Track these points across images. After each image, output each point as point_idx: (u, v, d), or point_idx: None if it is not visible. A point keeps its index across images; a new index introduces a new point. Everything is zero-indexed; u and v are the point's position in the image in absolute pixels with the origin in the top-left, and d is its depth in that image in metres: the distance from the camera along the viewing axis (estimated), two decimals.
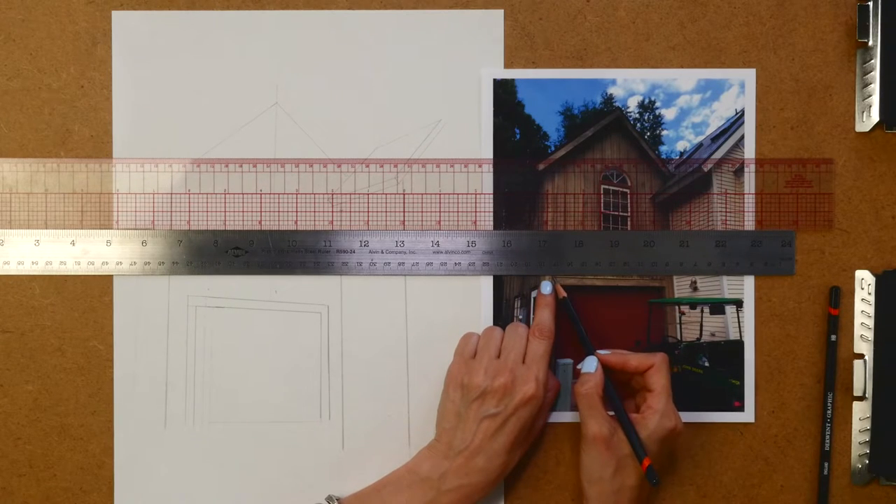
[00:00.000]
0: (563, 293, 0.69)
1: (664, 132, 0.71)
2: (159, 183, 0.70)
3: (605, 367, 0.67)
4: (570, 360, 0.71)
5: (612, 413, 0.66)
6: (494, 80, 0.70)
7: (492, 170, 0.70)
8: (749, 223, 0.71)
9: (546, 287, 0.69)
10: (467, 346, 0.68)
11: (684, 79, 0.70)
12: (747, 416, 0.71)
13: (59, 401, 0.71)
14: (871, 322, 0.70)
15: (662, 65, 0.71)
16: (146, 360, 0.70)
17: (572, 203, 0.71)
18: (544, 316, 0.68)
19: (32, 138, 0.71)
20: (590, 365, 0.66)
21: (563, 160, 0.71)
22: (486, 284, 0.71)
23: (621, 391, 0.68)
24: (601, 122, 0.71)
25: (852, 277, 0.71)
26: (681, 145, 0.71)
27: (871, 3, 0.69)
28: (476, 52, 0.70)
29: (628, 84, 0.71)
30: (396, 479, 0.66)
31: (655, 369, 0.65)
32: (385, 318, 0.71)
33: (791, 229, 0.70)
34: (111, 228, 0.70)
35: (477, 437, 0.64)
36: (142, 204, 0.70)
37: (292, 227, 0.70)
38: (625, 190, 0.71)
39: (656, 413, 0.64)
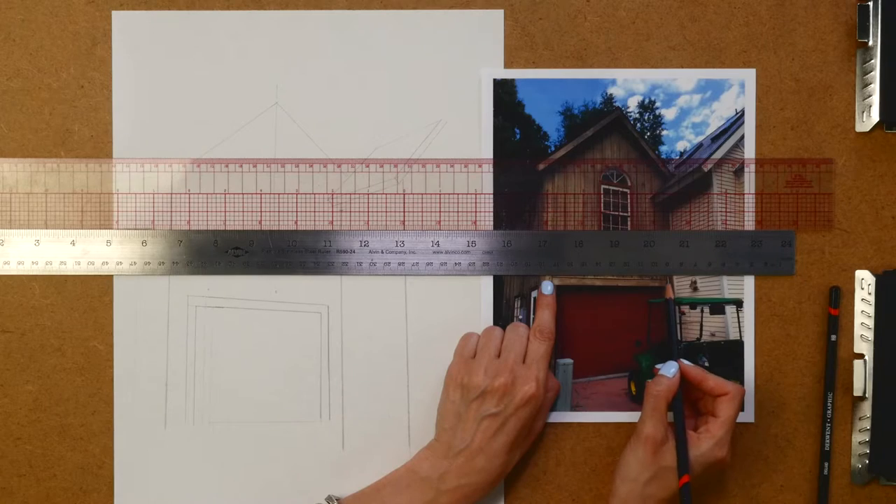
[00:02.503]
0: (671, 293, 0.69)
1: (664, 132, 0.71)
2: (159, 183, 0.70)
3: (682, 379, 0.66)
4: (570, 360, 0.71)
5: (670, 422, 0.66)
6: (494, 80, 0.70)
7: (492, 170, 0.70)
8: (749, 223, 0.71)
9: (547, 287, 0.69)
10: (467, 346, 0.68)
11: (684, 79, 0.70)
12: (747, 416, 0.71)
13: (59, 401, 0.71)
14: (871, 322, 0.70)
15: (662, 65, 0.71)
16: (146, 360, 0.70)
17: (572, 203, 0.71)
18: (545, 317, 0.68)
19: (32, 138, 0.71)
20: (669, 369, 0.66)
21: (563, 160, 0.71)
22: (486, 284, 0.71)
23: (685, 408, 0.67)
24: (601, 122, 0.71)
25: (852, 277, 0.71)
26: (681, 145, 0.71)
27: (871, 3, 0.69)
28: (476, 52, 0.70)
29: (628, 84, 0.71)
30: (396, 479, 0.66)
31: (729, 398, 0.65)
32: (385, 318, 0.71)
33: (791, 229, 0.70)
34: (111, 228, 0.70)
35: (477, 437, 0.64)
36: (142, 204, 0.70)
37: (292, 227, 0.70)
38: (625, 190, 0.71)
39: (712, 438, 0.64)
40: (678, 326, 0.71)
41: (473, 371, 0.66)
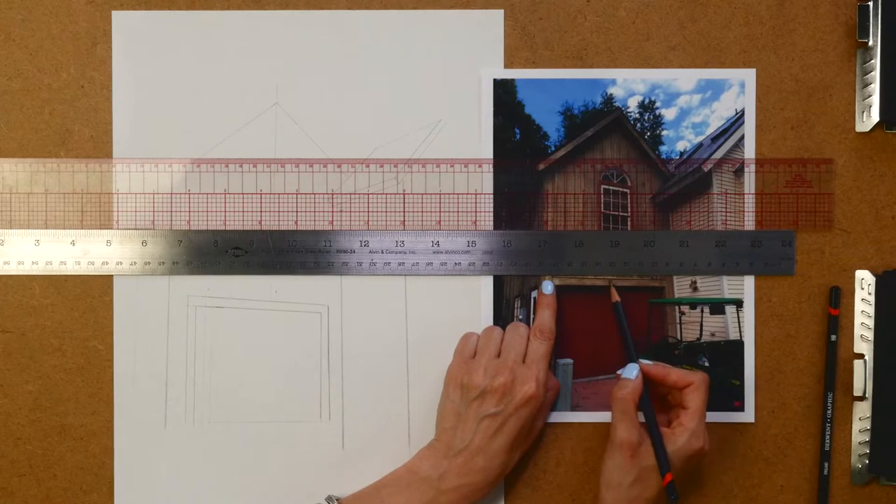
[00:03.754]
0: (616, 297, 0.69)
1: (664, 132, 0.71)
2: (159, 183, 0.70)
3: (645, 378, 0.66)
4: (570, 360, 0.71)
5: (642, 422, 0.66)
6: (494, 80, 0.70)
7: (492, 170, 0.70)
8: (749, 223, 0.71)
9: (547, 287, 0.69)
10: (467, 345, 0.68)
11: (684, 79, 0.70)
12: (747, 416, 0.71)
13: (59, 401, 0.71)
14: (871, 322, 0.70)
15: (662, 65, 0.71)
16: (146, 360, 0.70)
17: (572, 203, 0.71)
18: (545, 316, 0.68)
19: (32, 138, 0.71)
20: (630, 371, 0.66)
21: (563, 160, 0.71)
22: (486, 284, 0.71)
23: (656, 404, 0.67)
24: (601, 122, 0.71)
25: (852, 277, 0.71)
26: (681, 145, 0.71)
27: (871, 3, 0.69)
28: (476, 52, 0.70)
29: (628, 84, 0.71)
30: (396, 478, 0.66)
31: (694, 388, 0.65)
32: (385, 318, 0.71)
33: (791, 229, 0.70)
34: (111, 228, 0.70)
35: (477, 436, 0.64)
36: (142, 204, 0.70)
37: (292, 227, 0.70)
38: (625, 190, 0.71)
39: (686, 431, 0.64)
40: (672, 326, 0.71)
41: (473, 371, 0.66)
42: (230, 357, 0.71)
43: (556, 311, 0.69)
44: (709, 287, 0.71)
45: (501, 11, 0.70)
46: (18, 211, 0.70)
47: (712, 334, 0.71)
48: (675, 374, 0.66)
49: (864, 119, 0.70)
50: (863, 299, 0.70)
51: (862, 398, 0.70)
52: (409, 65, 0.70)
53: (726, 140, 0.71)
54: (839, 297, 0.70)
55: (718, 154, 0.71)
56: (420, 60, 0.70)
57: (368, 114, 0.70)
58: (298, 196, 0.70)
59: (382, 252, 0.70)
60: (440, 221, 0.71)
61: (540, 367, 0.66)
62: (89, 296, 0.71)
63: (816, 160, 0.70)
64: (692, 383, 0.65)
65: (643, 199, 0.71)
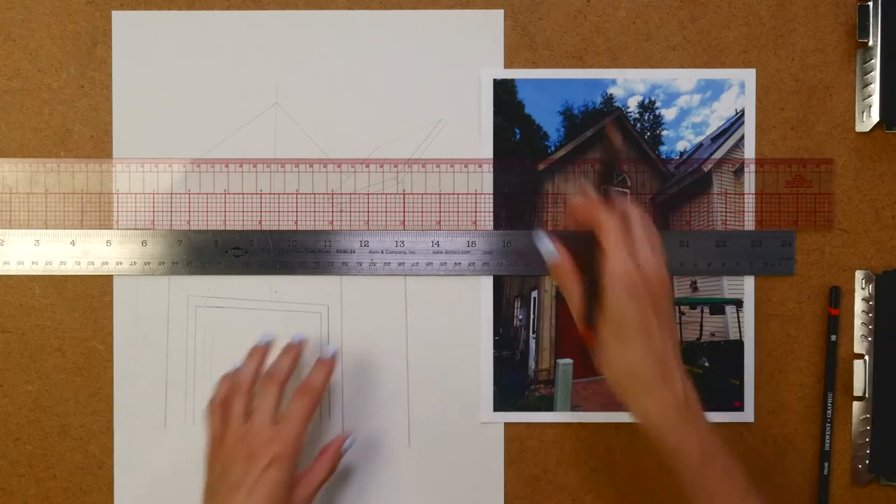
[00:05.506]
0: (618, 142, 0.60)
1: (664, 132, 0.71)
2: (159, 183, 0.70)
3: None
4: (570, 360, 0.71)
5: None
6: (494, 80, 0.70)
7: (492, 170, 0.70)
8: (749, 223, 0.71)
9: (329, 351, 0.64)
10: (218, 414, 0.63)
11: (684, 79, 0.70)
12: (747, 416, 0.71)
13: (59, 401, 0.71)
14: (871, 322, 0.70)
15: (662, 65, 0.71)
16: (146, 360, 0.70)
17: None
18: (317, 375, 0.63)
19: (32, 138, 0.71)
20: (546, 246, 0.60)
21: (563, 160, 0.71)
22: (486, 284, 0.71)
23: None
24: (601, 122, 0.71)
25: (852, 277, 0.71)
26: (681, 145, 0.71)
27: (871, 3, 0.69)
28: (476, 52, 0.70)
29: (628, 84, 0.71)
30: None
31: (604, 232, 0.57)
32: (385, 318, 0.71)
33: (791, 229, 0.70)
34: (111, 228, 0.70)
35: None
36: (142, 204, 0.70)
37: (292, 227, 0.70)
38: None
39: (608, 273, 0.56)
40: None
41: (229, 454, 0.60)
42: (230, 357, 0.70)
43: (331, 374, 0.64)
44: (709, 287, 0.71)
45: (501, 11, 0.70)
46: (18, 211, 0.70)
47: (712, 334, 0.71)
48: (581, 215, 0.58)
49: (864, 119, 0.70)
50: (863, 299, 0.70)
51: (862, 398, 0.70)
52: (409, 65, 0.70)
53: (726, 140, 0.71)
54: (839, 297, 0.70)
55: (718, 154, 0.71)
56: (420, 60, 0.70)
57: (368, 114, 0.70)
58: (298, 196, 0.70)
59: (382, 252, 0.70)
60: (440, 221, 0.71)
61: (294, 426, 0.60)
62: (89, 296, 0.70)
63: (816, 160, 0.70)
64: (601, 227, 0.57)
65: (643, 199, 0.71)
